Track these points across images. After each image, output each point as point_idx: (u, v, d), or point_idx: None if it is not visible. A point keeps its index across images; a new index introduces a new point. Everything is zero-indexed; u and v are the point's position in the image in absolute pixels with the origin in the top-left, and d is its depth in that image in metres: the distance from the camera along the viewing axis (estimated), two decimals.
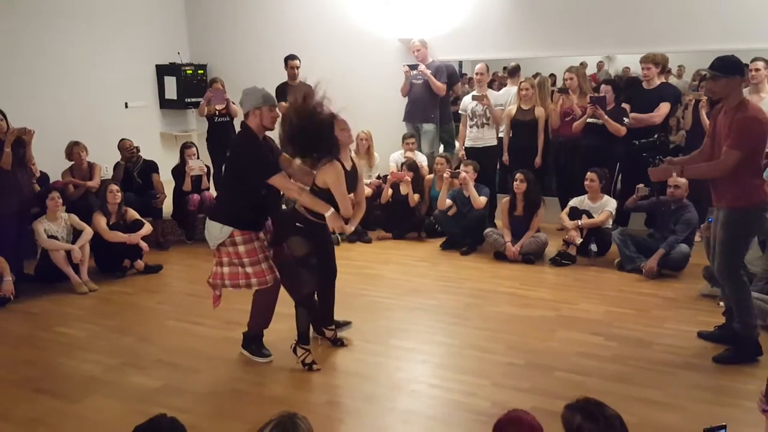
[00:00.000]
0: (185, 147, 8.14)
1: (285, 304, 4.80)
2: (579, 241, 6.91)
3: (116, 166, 7.98)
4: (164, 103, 10.27)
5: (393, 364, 4.69)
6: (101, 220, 6.73)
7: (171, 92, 10.12)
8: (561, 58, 8.65)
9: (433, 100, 8.47)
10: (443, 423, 3.89)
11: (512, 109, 7.94)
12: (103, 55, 9.23)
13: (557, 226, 7.66)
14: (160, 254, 7.54)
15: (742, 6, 7.33)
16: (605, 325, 5.29)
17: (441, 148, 8.90)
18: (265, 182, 4.37)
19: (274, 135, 4.74)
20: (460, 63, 9.79)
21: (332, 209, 4.37)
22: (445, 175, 7.56)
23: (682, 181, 6.47)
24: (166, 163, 8.55)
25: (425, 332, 5.29)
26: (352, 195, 4.64)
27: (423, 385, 4.35)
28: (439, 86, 8.35)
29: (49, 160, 7.62)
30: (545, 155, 7.88)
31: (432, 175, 8.23)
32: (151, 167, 8.05)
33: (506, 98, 8.30)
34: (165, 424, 2.47)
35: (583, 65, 9.04)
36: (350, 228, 4.63)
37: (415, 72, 8.43)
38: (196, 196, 7.91)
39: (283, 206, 4.62)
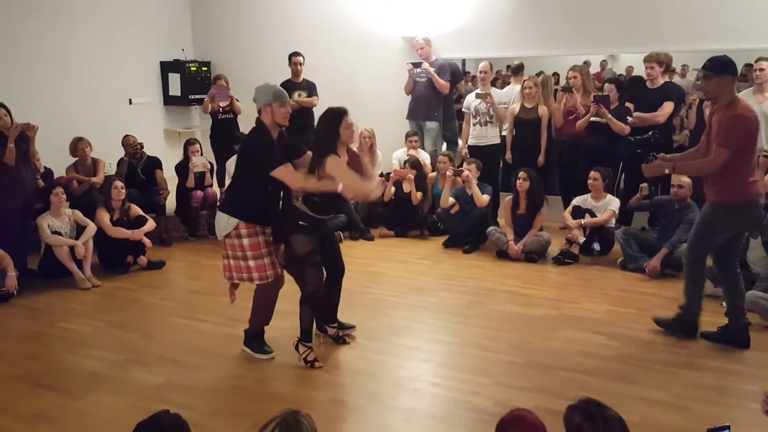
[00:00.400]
0: (189, 144, 8.14)
1: (287, 302, 4.81)
2: (582, 240, 6.91)
3: (120, 162, 8.00)
4: (168, 100, 10.27)
5: (395, 362, 4.69)
6: (105, 216, 6.74)
7: (175, 89, 10.13)
8: (564, 56, 8.64)
9: (436, 98, 8.47)
10: (445, 422, 3.89)
11: (515, 107, 7.94)
12: (107, 51, 9.23)
13: (560, 225, 7.66)
14: (163, 250, 7.54)
15: (746, 5, 7.32)
16: (608, 325, 5.29)
17: (444, 146, 8.90)
18: (269, 176, 4.38)
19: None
20: (464, 61, 9.79)
21: (342, 183, 4.32)
22: (448, 173, 7.56)
23: (686, 180, 6.47)
24: (169, 159, 8.56)
25: (427, 330, 5.29)
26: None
27: (425, 383, 4.35)
28: (443, 84, 8.35)
29: (53, 155, 7.64)
30: (548, 154, 7.88)
31: (435, 173, 8.23)
32: (155, 163, 8.06)
33: (509, 97, 8.30)
34: (168, 420, 2.47)
35: (587, 64, 9.04)
36: (374, 191, 4.59)
37: (418, 70, 8.43)
38: (199, 193, 7.92)
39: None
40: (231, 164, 8.05)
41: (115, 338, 5.21)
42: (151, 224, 7.02)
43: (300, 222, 4.47)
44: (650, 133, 6.59)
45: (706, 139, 4.76)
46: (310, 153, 4.55)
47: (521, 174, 7.11)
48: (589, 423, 2.33)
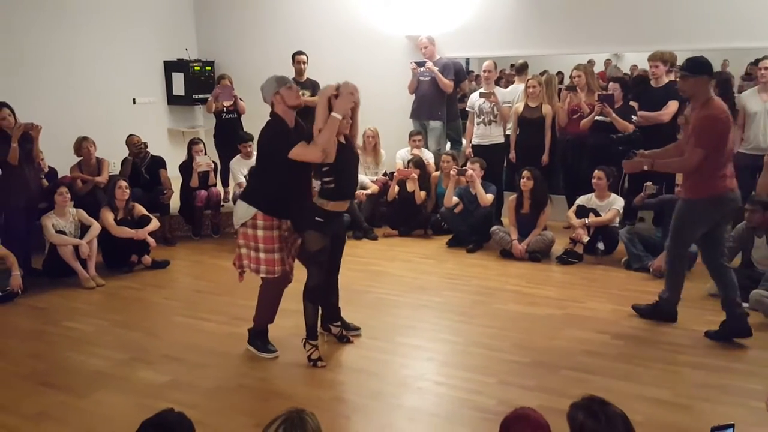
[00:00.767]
0: (192, 143, 8.15)
1: (291, 300, 4.81)
2: (586, 239, 6.90)
3: (124, 162, 8.00)
4: (172, 100, 10.29)
5: (399, 361, 4.69)
6: (109, 216, 6.75)
7: (179, 88, 10.15)
8: (568, 55, 8.62)
9: (440, 98, 8.46)
10: (449, 420, 3.89)
11: (519, 106, 7.93)
12: (111, 51, 9.25)
13: (564, 224, 7.65)
14: (167, 250, 7.56)
15: (751, 4, 7.30)
16: (612, 324, 5.28)
17: (448, 145, 8.90)
18: (289, 166, 4.38)
19: None
20: (468, 60, 9.79)
21: (334, 111, 4.32)
22: (451, 172, 7.56)
23: None
24: (173, 159, 8.57)
25: (431, 329, 5.29)
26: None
27: (429, 382, 4.35)
28: (447, 83, 8.35)
29: (57, 155, 7.66)
30: (552, 153, 7.87)
31: (439, 173, 8.22)
32: (159, 163, 8.07)
33: (514, 96, 8.29)
34: (172, 418, 2.47)
35: (591, 63, 9.03)
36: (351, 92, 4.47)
37: (422, 69, 8.42)
38: (203, 192, 7.93)
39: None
40: (235, 164, 8.08)
41: (120, 337, 5.22)
42: (155, 224, 7.03)
43: (316, 218, 4.47)
44: (625, 133, 6.64)
45: (686, 136, 4.99)
46: None
47: (525, 173, 7.10)
48: (592, 420, 2.32)
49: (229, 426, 3.80)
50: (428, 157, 8.43)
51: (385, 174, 8.67)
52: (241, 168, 7.98)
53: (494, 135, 8.08)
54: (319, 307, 4.75)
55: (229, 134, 8.44)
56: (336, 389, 4.33)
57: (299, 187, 4.57)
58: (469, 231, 7.53)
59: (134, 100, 9.73)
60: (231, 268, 6.79)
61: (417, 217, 8.14)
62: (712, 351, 4.73)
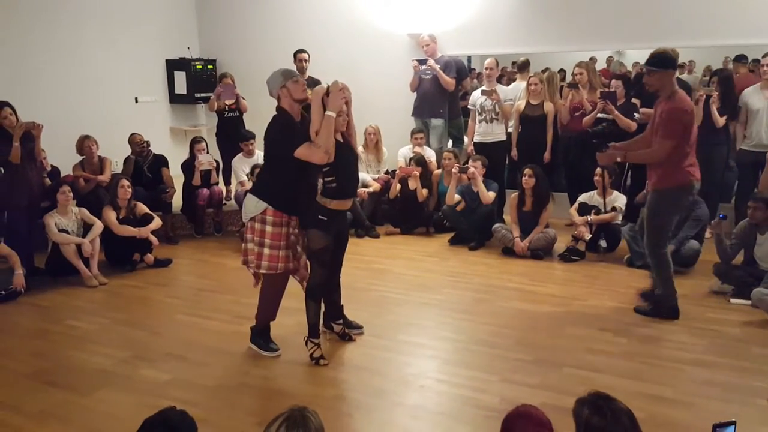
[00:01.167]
0: (195, 142, 8.16)
1: (293, 299, 4.82)
2: (588, 236, 6.90)
3: (126, 161, 8.01)
4: (174, 98, 10.30)
5: (401, 359, 4.69)
6: (111, 214, 6.76)
7: (181, 87, 10.16)
8: (570, 53, 8.61)
9: (442, 95, 8.45)
10: (451, 418, 3.89)
11: (521, 104, 7.92)
12: (113, 49, 9.26)
13: (566, 222, 7.65)
14: (170, 248, 7.57)
15: (752, 1, 7.28)
16: (614, 321, 5.28)
17: (450, 143, 8.89)
18: (296, 158, 4.37)
19: None
20: (469, 58, 9.77)
21: (327, 111, 4.36)
22: (453, 170, 7.55)
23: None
24: (175, 157, 8.57)
25: (433, 327, 5.29)
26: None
27: (431, 380, 4.35)
28: (448, 81, 8.34)
29: (59, 154, 7.67)
30: (554, 150, 7.87)
31: (440, 171, 8.22)
32: (161, 162, 8.07)
33: (515, 93, 8.29)
34: (174, 417, 2.47)
35: (593, 60, 9.01)
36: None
37: (424, 67, 8.42)
38: (205, 191, 7.94)
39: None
40: (237, 162, 8.08)
41: (122, 335, 5.23)
42: (157, 222, 7.03)
43: (320, 217, 4.47)
44: (603, 125, 6.86)
45: (651, 129, 5.17)
46: None
47: (527, 171, 7.10)
48: (597, 416, 2.32)
49: (231, 424, 3.80)
50: (430, 155, 8.43)
51: (387, 172, 8.67)
52: (243, 166, 7.98)
53: (496, 133, 8.08)
54: (322, 306, 4.76)
55: (231, 133, 8.45)
56: (338, 387, 4.33)
57: (308, 182, 4.56)
58: (471, 229, 7.53)
59: (136, 98, 9.74)
60: (233, 266, 6.89)
61: (419, 215, 8.14)
62: (714, 348, 4.73)
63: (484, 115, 8.06)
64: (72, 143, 7.59)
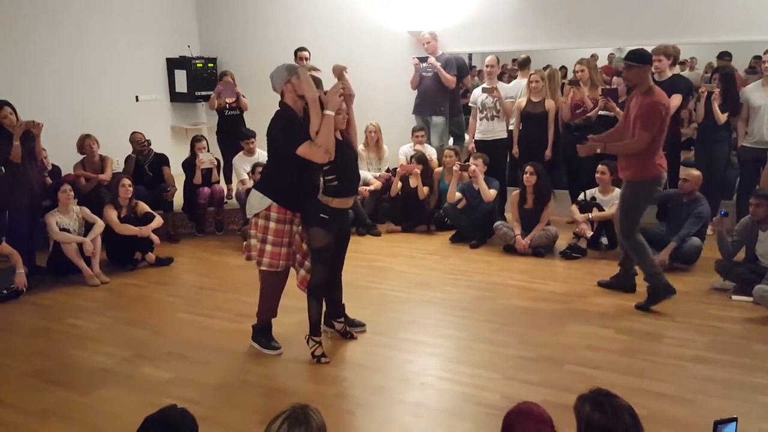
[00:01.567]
0: (196, 140, 8.16)
1: (293, 297, 4.82)
2: (589, 234, 6.89)
3: (127, 159, 8.01)
4: (174, 97, 10.30)
5: (403, 357, 4.69)
6: (112, 213, 6.76)
7: (181, 86, 10.15)
8: (572, 50, 8.61)
9: (442, 93, 8.45)
10: (453, 416, 3.89)
11: (522, 101, 7.91)
12: (114, 48, 9.26)
13: (568, 219, 7.64)
14: (171, 247, 7.57)
15: None
16: (616, 318, 5.28)
17: (451, 140, 8.88)
18: (297, 156, 4.36)
19: None
20: (470, 55, 9.76)
21: (326, 110, 4.35)
22: (454, 168, 7.55)
23: (694, 174, 6.46)
24: (176, 156, 8.58)
25: (435, 325, 5.29)
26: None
27: (433, 378, 4.35)
28: (449, 79, 8.33)
29: (60, 153, 7.67)
30: (555, 148, 7.85)
31: (441, 168, 8.22)
32: (162, 160, 8.08)
33: (516, 91, 8.28)
34: (175, 415, 2.48)
35: (594, 57, 9.00)
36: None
37: (424, 64, 8.41)
38: (206, 189, 7.94)
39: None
40: (238, 160, 8.08)
41: (124, 334, 5.23)
42: (158, 221, 7.03)
43: (321, 215, 4.47)
44: (583, 119, 7.04)
45: (624, 121, 5.45)
46: None
47: (528, 168, 7.09)
48: (598, 413, 2.32)
49: (232, 422, 3.80)
50: (431, 152, 8.43)
51: (387, 170, 8.67)
52: (244, 165, 7.99)
53: (497, 130, 8.07)
54: (323, 304, 4.76)
55: (231, 131, 8.45)
56: (340, 385, 4.33)
57: (311, 178, 4.54)
58: (473, 227, 7.52)
59: (137, 97, 9.74)
60: (235, 264, 6.89)
61: (420, 213, 8.14)
62: (715, 345, 4.73)
63: (485, 112, 8.05)
64: (73, 142, 7.59)
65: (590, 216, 6.93)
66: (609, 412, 2.31)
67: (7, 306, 5.87)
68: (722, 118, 7.07)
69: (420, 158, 8.13)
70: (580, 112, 7.60)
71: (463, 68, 8.73)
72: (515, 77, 8.89)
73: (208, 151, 8.17)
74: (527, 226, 7.14)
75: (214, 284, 6.37)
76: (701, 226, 6.43)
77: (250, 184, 7.68)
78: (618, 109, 7.15)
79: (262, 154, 8.03)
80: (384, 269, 6.67)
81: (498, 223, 7.38)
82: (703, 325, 5.08)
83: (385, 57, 9.14)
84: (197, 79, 10.10)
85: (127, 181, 6.90)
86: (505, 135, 8.11)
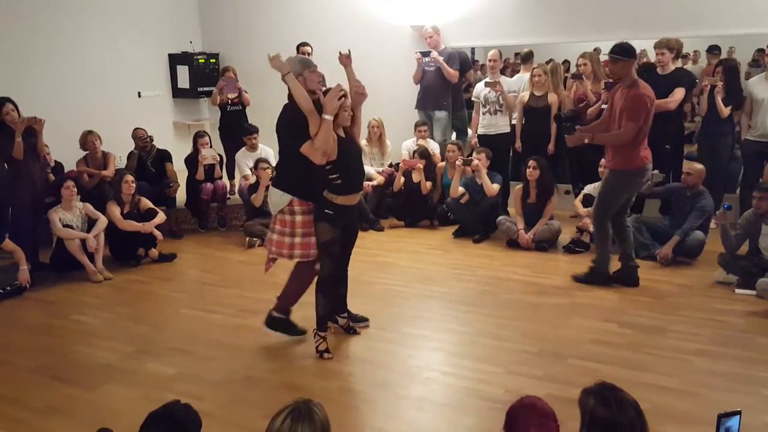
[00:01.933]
0: (198, 136, 8.14)
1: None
2: (593, 228, 6.87)
3: (130, 155, 8.02)
4: (177, 93, 10.29)
5: (406, 351, 4.70)
6: (115, 209, 6.76)
7: (183, 81, 10.14)
8: (574, 43, 8.58)
9: (445, 88, 8.44)
10: (456, 410, 3.90)
11: (525, 95, 7.89)
12: (116, 44, 9.25)
13: (571, 214, 7.63)
14: (174, 243, 7.57)
15: None
16: (619, 313, 5.27)
17: (453, 135, 8.88)
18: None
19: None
20: (473, 50, 9.73)
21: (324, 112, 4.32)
22: (457, 162, 7.54)
23: (697, 167, 6.45)
24: (179, 152, 8.57)
25: (438, 320, 5.29)
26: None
27: (436, 372, 4.36)
28: (452, 73, 8.32)
29: (63, 149, 7.67)
30: (558, 142, 7.83)
31: (444, 163, 8.21)
32: (165, 156, 8.07)
33: (519, 85, 8.25)
34: (179, 410, 2.48)
35: (597, 51, 8.96)
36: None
37: (427, 59, 8.40)
38: (209, 185, 7.93)
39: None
40: (240, 156, 8.08)
41: (127, 330, 5.24)
42: (161, 217, 7.04)
43: (326, 210, 4.47)
44: (569, 109, 7.21)
45: (608, 113, 5.65)
46: None
47: (531, 162, 7.08)
48: (603, 406, 2.32)
49: (236, 417, 3.81)
50: (434, 147, 8.42)
51: (390, 165, 8.66)
52: (246, 160, 7.99)
53: (500, 124, 8.05)
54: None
55: (234, 127, 8.45)
56: (343, 380, 4.34)
57: (322, 170, 4.54)
58: (476, 221, 7.52)
59: (139, 93, 9.74)
60: (238, 260, 6.91)
61: (423, 208, 8.13)
62: (719, 339, 4.72)
63: (487, 107, 8.03)
64: (75, 138, 7.59)
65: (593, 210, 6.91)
66: (614, 406, 2.31)
67: (11, 302, 5.88)
68: (725, 111, 7.06)
69: (423, 153, 8.12)
70: (583, 106, 7.58)
71: (465, 63, 8.71)
72: (518, 71, 8.86)
73: (211, 146, 8.15)
74: (530, 220, 7.13)
75: (217, 280, 6.38)
76: (704, 219, 6.42)
77: (252, 179, 7.69)
78: None
79: (264, 150, 8.03)
80: (387, 264, 6.67)
81: (501, 217, 7.37)
82: (707, 318, 5.08)
83: (387, 52, 9.13)
84: (199, 74, 10.09)
85: (130, 177, 6.90)
86: (508, 129, 8.09)
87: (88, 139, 7.54)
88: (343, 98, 4.37)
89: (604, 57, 9.69)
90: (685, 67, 8.11)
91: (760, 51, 8.12)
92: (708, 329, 4.89)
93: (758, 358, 4.42)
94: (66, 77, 8.61)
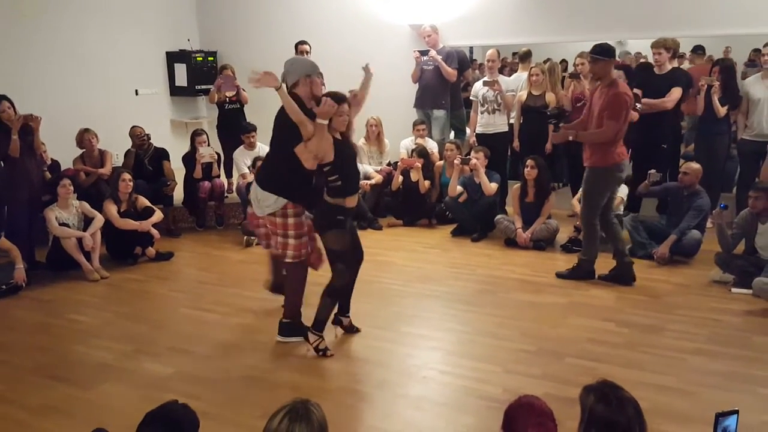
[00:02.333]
0: (196, 134, 8.13)
1: None
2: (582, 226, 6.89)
3: (127, 154, 8.00)
4: (174, 91, 10.27)
5: (404, 350, 4.70)
6: (112, 208, 6.75)
7: (181, 79, 10.13)
8: (572, 43, 8.59)
9: (443, 87, 8.43)
10: (454, 409, 3.90)
11: (523, 94, 7.89)
12: (114, 42, 9.23)
13: (568, 213, 7.63)
14: (171, 241, 7.55)
15: None
16: (616, 312, 5.28)
17: (452, 134, 8.87)
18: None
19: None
20: (471, 49, 9.76)
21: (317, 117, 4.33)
22: (455, 161, 7.54)
23: (694, 167, 6.45)
24: (176, 150, 8.55)
25: (436, 319, 5.30)
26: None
27: (434, 371, 4.36)
28: (450, 72, 8.31)
29: (60, 147, 7.65)
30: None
31: (442, 162, 8.20)
32: (162, 155, 8.06)
33: (517, 84, 8.25)
34: (177, 410, 2.48)
35: None
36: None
37: (425, 58, 8.39)
38: (206, 184, 7.92)
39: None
40: (238, 155, 8.07)
41: (124, 329, 5.23)
42: (158, 215, 7.03)
43: (338, 217, 4.46)
44: (555, 108, 7.03)
45: (588, 112, 5.82)
46: None
47: (529, 162, 7.08)
48: (603, 404, 2.32)
49: (233, 417, 3.81)
50: (432, 146, 8.41)
51: (389, 164, 8.66)
52: (244, 159, 7.97)
53: (498, 124, 8.05)
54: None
55: (232, 125, 8.43)
56: (341, 379, 4.33)
57: (311, 174, 4.56)
58: (474, 220, 7.52)
59: (137, 91, 9.71)
60: (236, 259, 6.91)
61: (421, 207, 8.13)
62: (716, 338, 4.73)
63: (486, 106, 8.03)
64: (72, 136, 7.57)
65: None
66: (614, 404, 2.31)
67: (7, 301, 5.87)
68: (722, 111, 7.06)
69: (421, 152, 8.11)
70: (580, 105, 7.58)
71: (464, 61, 8.71)
72: (516, 70, 8.88)
73: (209, 145, 8.14)
74: (528, 219, 7.14)
75: (215, 279, 6.37)
76: (701, 218, 6.42)
77: (250, 178, 7.66)
78: None
79: (262, 148, 8.01)
80: (385, 263, 6.66)
81: (499, 216, 7.37)
82: (704, 317, 5.08)
83: (386, 50, 9.11)
84: (197, 72, 10.08)
85: (127, 176, 6.88)
86: (506, 128, 8.09)
87: (84, 137, 7.52)
88: (338, 106, 4.36)
89: None
90: (681, 66, 8.11)
91: (756, 51, 8.12)
92: (705, 328, 4.90)
93: (755, 357, 4.42)
94: (63, 75, 8.58)
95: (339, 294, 4.64)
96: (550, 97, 7.70)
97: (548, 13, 8.23)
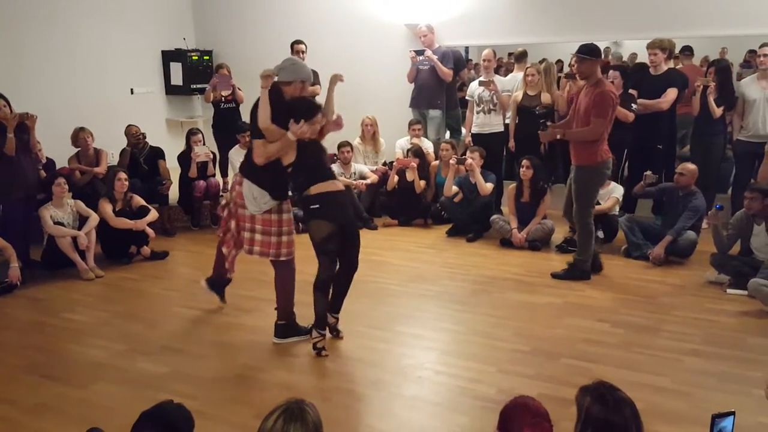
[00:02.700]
0: (191, 133, 8.12)
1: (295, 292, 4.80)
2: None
3: (122, 153, 7.98)
4: (170, 90, 10.25)
5: (399, 350, 4.69)
6: (107, 207, 6.73)
7: (177, 78, 10.11)
8: (568, 43, 8.58)
9: (439, 86, 8.43)
10: (449, 409, 3.89)
11: (519, 95, 7.89)
12: (109, 40, 9.21)
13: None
14: (166, 240, 7.54)
15: None
16: (612, 312, 5.28)
17: (447, 134, 8.87)
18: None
19: None
20: (467, 49, 9.74)
21: (289, 131, 4.35)
22: (451, 161, 7.54)
23: (691, 167, 6.46)
24: (172, 149, 8.53)
25: (431, 319, 5.29)
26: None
27: (429, 371, 4.35)
28: (446, 72, 8.31)
29: (55, 146, 7.62)
30: (552, 141, 7.83)
31: (438, 162, 8.20)
32: (158, 153, 8.05)
33: (513, 84, 8.26)
34: (171, 409, 2.47)
35: None
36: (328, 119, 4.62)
37: (421, 58, 8.38)
38: (202, 183, 7.91)
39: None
40: (234, 154, 8.05)
41: (119, 328, 5.22)
42: (153, 214, 7.01)
43: (311, 206, 4.45)
44: (542, 107, 7.33)
45: (573, 112, 5.90)
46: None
47: (524, 162, 7.09)
48: (600, 404, 2.31)
49: (228, 417, 3.80)
50: (428, 146, 8.41)
51: (384, 163, 8.66)
52: (239, 158, 7.92)
53: (494, 124, 8.05)
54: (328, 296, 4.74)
55: (227, 124, 8.42)
56: (336, 379, 4.33)
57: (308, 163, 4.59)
58: (469, 220, 7.52)
59: (132, 90, 9.70)
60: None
61: (417, 207, 8.13)
62: (711, 339, 4.73)
63: (481, 106, 8.03)
64: (68, 135, 7.54)
65: None
66: (611, 405, 2.31)
67: (1, 300, 5.84)
68: (718, 111, 7.07)
69: (417, 152, 8.11)
70: None
71: (459, 61, 8.71)
72: (512, 71, 8.88)
73: (204, 144, 8.13)
74: (524, 219, 7.14)
75: None
76: (696, 219, 6.44)
77: None
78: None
79: None
80: (381, 263, 6.66)
81: (494, 216, 7.38)
82: (699, 318, 5.09)
83: (381, 50, 9.12)
84: (193, 71, 10.07)
85: (123, 175, 6.86)
86: (501, 128, 8.09)
87: (79, 136, 7.50)
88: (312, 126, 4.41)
89: None
90: (677, 67, 8.12)
91: (752, 52, 8.13)
92: (700, 329, 4.91)
93: (750, 358, 4.43)
94: (59, 73, 8.56)
95: (325, 286, 4.59)
96: (545, 98, 7.70)
97: (544, 14, 8.24)
